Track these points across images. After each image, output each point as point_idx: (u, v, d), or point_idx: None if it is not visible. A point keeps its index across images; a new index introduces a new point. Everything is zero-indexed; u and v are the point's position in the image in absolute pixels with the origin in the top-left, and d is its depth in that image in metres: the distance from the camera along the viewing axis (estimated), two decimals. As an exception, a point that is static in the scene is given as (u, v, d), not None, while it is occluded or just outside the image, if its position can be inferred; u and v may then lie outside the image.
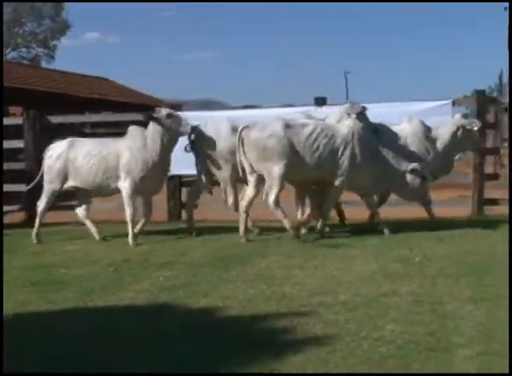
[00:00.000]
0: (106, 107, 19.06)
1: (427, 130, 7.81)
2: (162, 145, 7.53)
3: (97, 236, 7.85)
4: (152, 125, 7.56)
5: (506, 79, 29.03)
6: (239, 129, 7.34)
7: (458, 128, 7.77)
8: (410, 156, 7.55)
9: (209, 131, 7.74)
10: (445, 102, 8.73)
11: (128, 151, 7.58)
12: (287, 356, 3.53)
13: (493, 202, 8.78)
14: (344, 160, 7.30)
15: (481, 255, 6.03)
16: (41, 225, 8.08)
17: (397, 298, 4.61)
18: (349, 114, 7.43)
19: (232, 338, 3.87)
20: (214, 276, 5.57)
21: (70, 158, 7.84)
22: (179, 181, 9.41)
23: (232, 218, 7.90)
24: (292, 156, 7.18)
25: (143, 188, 7.60)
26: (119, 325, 4.25)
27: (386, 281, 5.12)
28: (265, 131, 7.26)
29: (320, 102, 9.20)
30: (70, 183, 7.91)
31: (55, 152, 7.98)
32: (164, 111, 7.55)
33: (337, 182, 7.38)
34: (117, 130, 8.94)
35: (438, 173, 7.87)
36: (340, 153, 7.30)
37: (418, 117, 7.80)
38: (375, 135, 7.46)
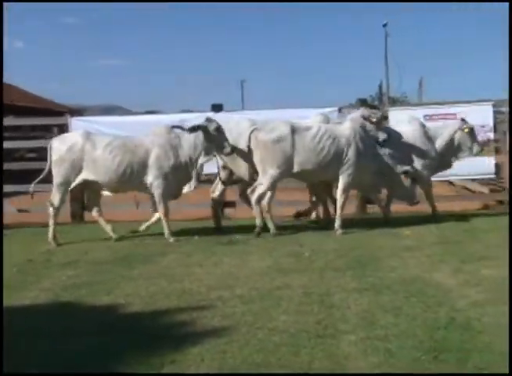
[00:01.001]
0: (8, 112, 18.33)
1: (427, 130, 8.06)
2: (196, 153, 7.21)
3: (113, 235, 7.32)
4: (198, 133, 7.16)
5: (385, 89, 30.18)
6: (250, 130, 7.32)
7: (456, 130, 8.06)
8: (408, 156, 7.83)
9: (232, 129, 7.44)
10: (333, 109, 8.99)
11: (160, 149, 7.18)
12: (187, 347, 3.53)
13: (370, 202, 9.00)
14: (350, 159, 7.36)
15: (364, 249, 6.24)
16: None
17: (289, 290, 4.69)
18: (365, 118, 7.50)
19: (134, 333, 3.83)
20: (116, 274, 5.48)
21: (86, 149, 7.19)
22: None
23: (140, 217, 7.80)
24: (297, 158, 7.23)
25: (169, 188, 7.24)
26: (18, 324, 4.09)
27: (279, 275, 5.20)
28: (273, 133, 7.26)
29: (217, 108, 9.27)
30: (83, 176, 7.22)
31: (66, 143, 7.28)
32: (215, 124, 7.21)
33: (344, 180, 7.40)
34: (18, 134, 8.62)
35: (437, 171, 8.17)
36: (345, 153, 7.35)
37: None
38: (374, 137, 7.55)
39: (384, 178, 7.77)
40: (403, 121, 8.20)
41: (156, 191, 7.17)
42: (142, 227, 7.54)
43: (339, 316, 4.02)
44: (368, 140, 7.50)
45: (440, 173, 8.39)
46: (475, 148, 8.12)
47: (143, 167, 7.16)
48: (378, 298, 4.38)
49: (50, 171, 7.32)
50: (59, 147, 7.28)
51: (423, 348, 3.39)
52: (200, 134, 7.15)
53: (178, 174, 7.21)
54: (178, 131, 7.30)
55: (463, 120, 8.22)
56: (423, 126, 8.13)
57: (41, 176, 7.34)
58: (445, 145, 8.07)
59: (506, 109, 8.93)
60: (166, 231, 7.21)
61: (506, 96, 8.99)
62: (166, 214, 7.23)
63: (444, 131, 8.12)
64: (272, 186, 7.27)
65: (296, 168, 7.28)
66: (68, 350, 3.58)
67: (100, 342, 3.67)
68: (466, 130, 8.04)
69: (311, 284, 4.86)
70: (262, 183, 7.22)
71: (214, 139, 7.15)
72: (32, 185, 7.37)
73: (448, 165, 8.25)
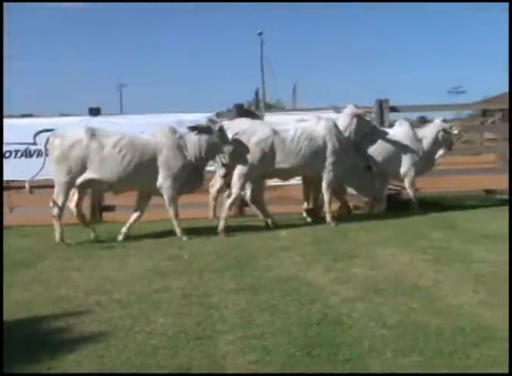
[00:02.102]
0: None
1: (415, 132, 8.64)
2: (202, 152, 7.19)
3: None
4: (203, 134, 7.19)
5: (261, 96, 30.75)
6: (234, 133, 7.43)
7: (439, 131, 8.61)
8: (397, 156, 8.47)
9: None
10: (210, 114, 9.03)
11: (168, 150, 7.07)
12: (64, 354, 3.43)
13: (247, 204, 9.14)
14: (328, 157, 7.73)
15: (243, 250, 6.31)
16: None
17: (168, 293, 4.66)
18: (355, 115, 8.04)
19: (9, 342, 3.65)
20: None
21: (92, 146, 6.85)
22: None
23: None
24: (276, 159, 7.52)
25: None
26: None
27: (158, 278, 5.15)
28: (255, 136, 7.45)
29: (94, 112, 9.07)
30: (88, 175, 6.89)
31: (68, 139, 6.87)
32: (218, 125, 7.27)
33: (327, 177, 7.81)
34: None
35: (424, 170, 8.68)
36: (322, 151, 7.71)
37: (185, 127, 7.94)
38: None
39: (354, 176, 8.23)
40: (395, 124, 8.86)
41: (166, 193, 7.09)
42: (123, 229, 7.28)
43: (217, 317, 4.04)
44: (343, 138, 7.92)
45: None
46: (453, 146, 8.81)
47: (152, 167, 7.02)
48: (255, 298, 4.44)
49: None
50: (61, 143, 6.88)
51: (298, 345, 3.47)
52: (204, 135, 7.19)
53: (186, 174, 7.19)
54: (181, 131, 7.30)
55: (444, 120, 8.87)
56: (412, 128, 8.71)
57: (36, 173, 7.18)
58: (432, 144, 8.67)
59: (373, 115, 9.31)
60: (178, 230, 7.15)
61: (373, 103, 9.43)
62: (176, 215, 7.17)
63: (429, 132, 8.71)
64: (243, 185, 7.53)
65: (275, 167, 7.60)
66: None
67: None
68: (456, 131, 8.70)
69: (190, 286, 4.85)
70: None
71: (217, 139, 7.21)
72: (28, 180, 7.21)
73: (433, 164, 8.86)
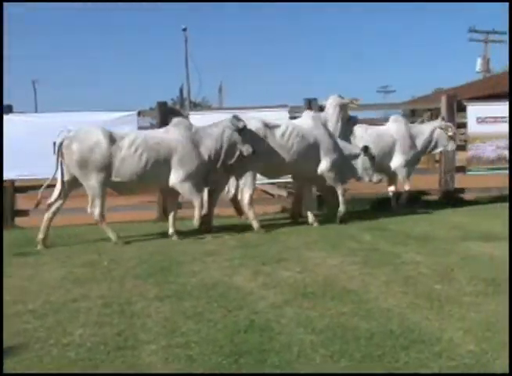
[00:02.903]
0: None
1: (409, 129, 9.13)
2: (222, 149, 7.33)
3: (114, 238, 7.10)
4: (227, 130, 7.35)
5: (186, 94, 30.62)
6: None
7: (435, 129, 9.16)
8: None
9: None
10: (131, 113, 8.97)
11: (183, 147, 7.14)
12: (-29, 370, 3.30)
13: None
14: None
15: (166, 255, 6.26)
16: None
17: (87, 302, 4.57)
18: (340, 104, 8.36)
19: None
20: None
21: (111, 149, 6.88)
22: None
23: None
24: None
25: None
26: None
27: (75, 286, 5.05)
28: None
29: (6, 110, 8.90)
30: (110, 178, 6.94)
31: (86, 142, 6.86)
32: (243, 123, 7.37)
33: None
34: None
35: (415, 165, 9.25)
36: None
37: (107, 125, 7.80)
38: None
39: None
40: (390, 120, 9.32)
41: (183, 190, 7.19)
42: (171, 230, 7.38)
43: (140, 326, 3.99)
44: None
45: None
46: (450, 145, 9.24)
47: (167, 166, 7.08)
48: (179, 305, 4.41)
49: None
50: (80, 148, 6.87)
51: (224, 353, 3.47)
52: (228, 131, 7.34)
53: (203, 170, 7.25)
54: (198, 126, 7.40)
55: (443, 119, 9.32)
56: (407, 124, 9.26)
57: (48, 181, 7.04)
58: (426, 142, 9.13)
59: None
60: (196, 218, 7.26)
61: (301, 102, 9.55)
62: (200, 207, 7.27)
63: (424, 130, 9.23)
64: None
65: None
66: None
67: None
68: (450, 133, 9.13)
69: (110, 294, 4.77)
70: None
71: (240, 138, 7.34)
72: (41, 190, 7.09)
73: (418, 161, 9.47)
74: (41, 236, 7.03)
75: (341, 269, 5.38)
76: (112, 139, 6.97)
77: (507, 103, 9.95)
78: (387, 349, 3.46)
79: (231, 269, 5.52)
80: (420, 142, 9.20)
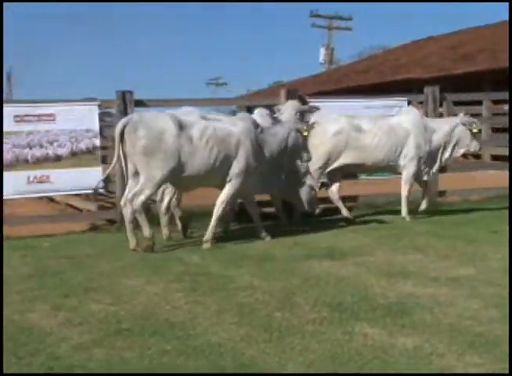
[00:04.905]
0: None
1: (425, 122, 9.26)
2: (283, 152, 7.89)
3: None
4: (294, 131, 7.99)
5: None
6: None
7: (457, 125, 9.20)
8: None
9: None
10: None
11: (250, 145, 7.60)
12: None
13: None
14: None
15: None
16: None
17: None
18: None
19: None
20: None
21: (182, 138, 7.26)
22: None
23: None
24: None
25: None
26: None
27: None
28: None
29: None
30: (176, 172, 7.32)
31: (154, 129, 7.20)
32: (306, 126, 8.16)
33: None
34: None
35: (426, 166, 9.23)
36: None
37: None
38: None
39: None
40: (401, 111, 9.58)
41: (230, 189, 7.62)
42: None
43: None
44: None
45: (37, 188, 8.56)
46: (474, 145, 9.33)
47: (230, 160, 7.52)
48: None
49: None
50: (146, 134, 7.16)
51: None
52: (296, 133, 8.00)
53: (260, 170, 7.74)
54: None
55: (466, 115, 9.36)
56: (422, 117, 9.41)
57: (109, 169, 7.74)
58: (444, 138, 9.20)
59: (115, 110, 9.27)
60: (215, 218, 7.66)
61: (113, 96, 9.41)
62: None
63: (444, 125, 9.30)
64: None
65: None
66: None
67: None
68: (475, 130, 9.21)
69: None
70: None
71: (298, 141, 8.03)
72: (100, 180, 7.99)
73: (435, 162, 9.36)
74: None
75: (164, 298, 5.37)
76: (182, 125, 7.35)
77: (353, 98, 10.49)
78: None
79: (22, 304, 5.29)
80: (436, 139, 9.24)
